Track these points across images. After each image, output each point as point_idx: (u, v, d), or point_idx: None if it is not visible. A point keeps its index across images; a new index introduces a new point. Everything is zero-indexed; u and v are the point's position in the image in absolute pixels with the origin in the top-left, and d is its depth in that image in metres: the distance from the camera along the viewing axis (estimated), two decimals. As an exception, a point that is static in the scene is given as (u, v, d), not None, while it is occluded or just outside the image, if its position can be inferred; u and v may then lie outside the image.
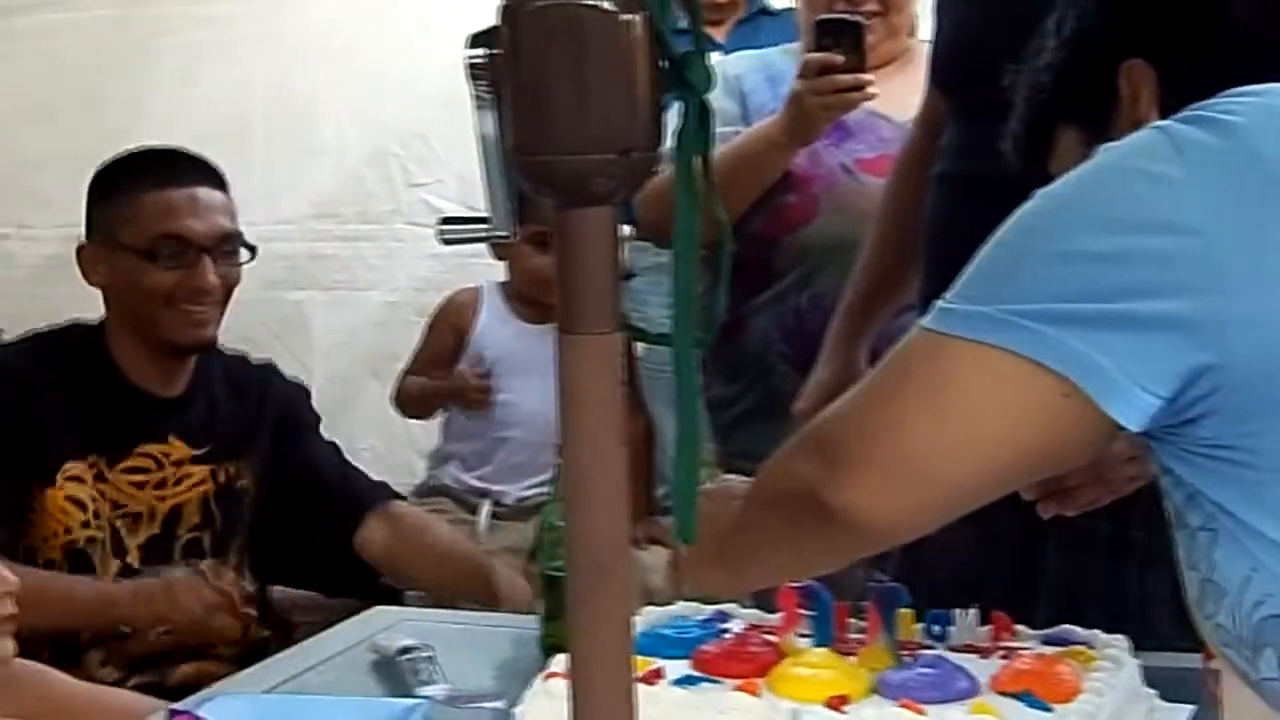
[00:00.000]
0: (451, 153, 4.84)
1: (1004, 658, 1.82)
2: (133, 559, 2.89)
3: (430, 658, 2.20)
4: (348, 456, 3.22)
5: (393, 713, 1.99)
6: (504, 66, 1.04)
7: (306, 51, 5.04)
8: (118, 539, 2.89)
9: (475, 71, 1.06)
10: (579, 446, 1.08)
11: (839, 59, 2.87)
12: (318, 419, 3.22)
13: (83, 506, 2.85)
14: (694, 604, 2.00)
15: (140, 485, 2.91)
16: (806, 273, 3.08)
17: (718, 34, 4.43)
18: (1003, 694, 1.72)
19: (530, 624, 2.32)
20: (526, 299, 4.11)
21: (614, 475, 1.09)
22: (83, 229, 2.99)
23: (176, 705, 1.88)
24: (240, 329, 3.34)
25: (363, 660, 2.29)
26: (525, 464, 4.04)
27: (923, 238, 2.48)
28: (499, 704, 2.03)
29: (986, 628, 1.90)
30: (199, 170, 2.98)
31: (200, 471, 2.98)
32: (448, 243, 1.21)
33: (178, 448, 2.96)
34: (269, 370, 3.19)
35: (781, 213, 3.06)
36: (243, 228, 2.99)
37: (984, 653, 1.85)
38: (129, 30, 5.07)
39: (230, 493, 3.01)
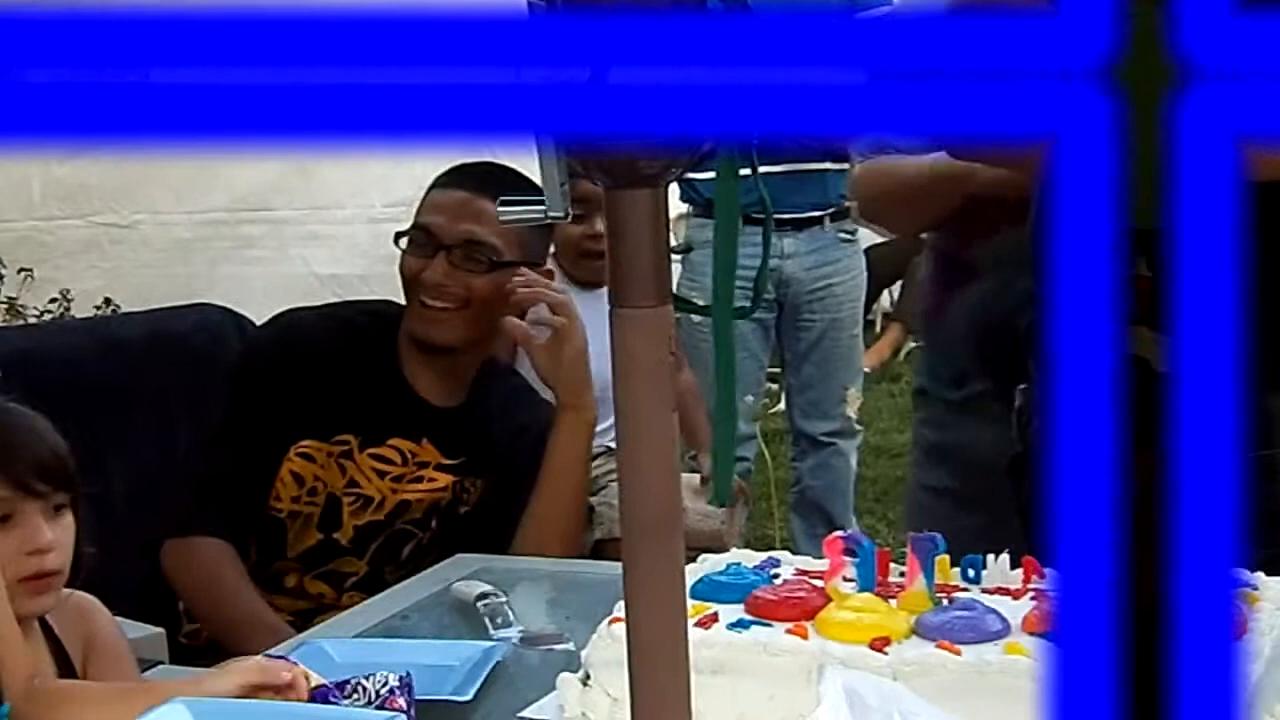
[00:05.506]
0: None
1: (1034, 599, 1.88)
2: (342, 536, 2.94)
3: (505, 603, 2.33)
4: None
5: (470, 654, 2.11)
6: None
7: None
8: (335, 514, 2.94)
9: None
10: (632, 412, 1.13)
11: None
12: None
13: (300, 481, 2.91)
14: (747, 552, 2.09)
15: (381, 474, 2.95)
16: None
17: None
18: (1033, 634, 1.79)
19: (598, 569, 2.46)
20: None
21: (664, 439, 1.14)
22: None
23: (271, 651, 2.01)
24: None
25: (444, 606, 2.43)
26: None
27: None
28: (568, 646, 2.15)
29: (1018, 571, 1.96)
30: (491, 181, 2.88)
31: (444, 479, 3.00)
32: (504, 223, 1.23)
33: (428, 450, 2.98)
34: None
35: None
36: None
37: (1016, 595, 1.91)
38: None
39: (458, 505, 3.03)
